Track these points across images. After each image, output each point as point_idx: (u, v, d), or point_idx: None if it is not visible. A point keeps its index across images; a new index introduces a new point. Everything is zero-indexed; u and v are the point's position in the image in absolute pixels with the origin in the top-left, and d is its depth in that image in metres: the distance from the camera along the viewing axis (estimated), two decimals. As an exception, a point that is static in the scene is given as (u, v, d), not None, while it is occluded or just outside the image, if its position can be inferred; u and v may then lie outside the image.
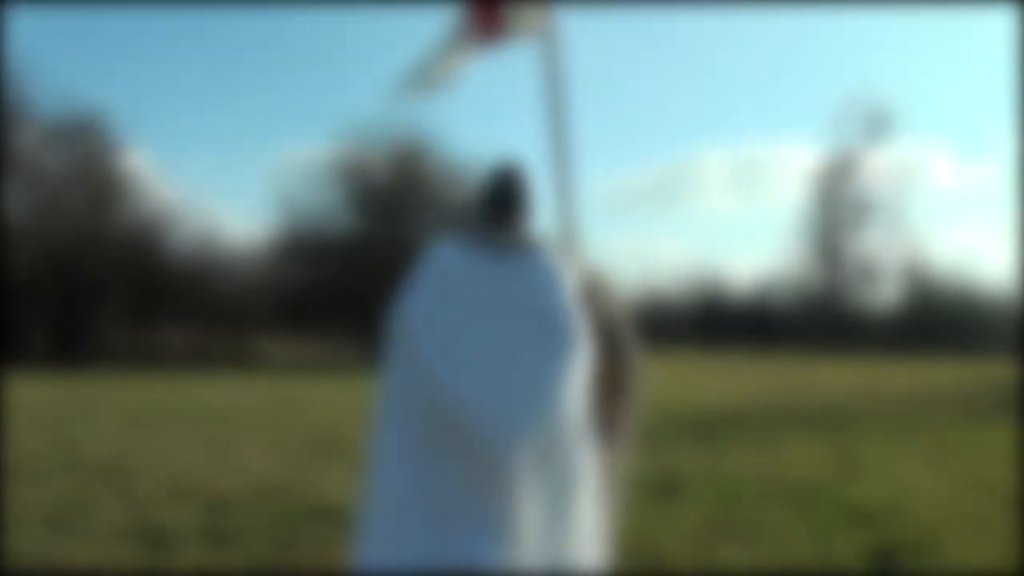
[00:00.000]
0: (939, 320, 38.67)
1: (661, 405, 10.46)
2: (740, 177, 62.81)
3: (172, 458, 7.21)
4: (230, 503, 5.38)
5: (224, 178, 51.46)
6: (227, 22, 58.22)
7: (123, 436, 8.65)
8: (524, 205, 2.41)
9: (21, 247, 23.73)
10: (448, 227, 2.45)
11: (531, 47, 2.99)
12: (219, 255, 31.07)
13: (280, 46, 52.57)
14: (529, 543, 2.07)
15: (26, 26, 31.24)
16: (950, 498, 5.79)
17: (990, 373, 20.42)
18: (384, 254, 25.44)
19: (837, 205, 43.50)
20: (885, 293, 43.49)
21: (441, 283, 2.26)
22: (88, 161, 27.36)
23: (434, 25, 3.16)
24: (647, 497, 5.38)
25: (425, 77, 3.14)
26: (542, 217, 2.53)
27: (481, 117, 53.27)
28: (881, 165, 42.50)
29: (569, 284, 2.27)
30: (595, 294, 2.42)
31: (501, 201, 2.39)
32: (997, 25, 46.35)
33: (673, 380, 16.58)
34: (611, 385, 2.44)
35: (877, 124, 42.19)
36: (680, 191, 62.61)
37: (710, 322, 44.13)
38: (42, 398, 12.96)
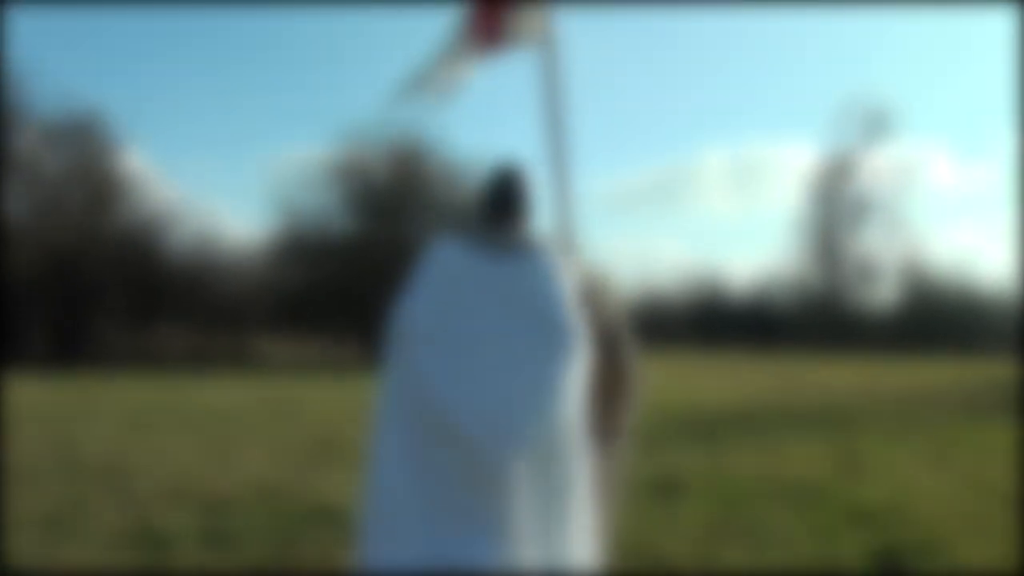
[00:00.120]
0: (938, 320, 38.66)
1: (661, 405, 10.46)
2: (739, 177, 62.79)
3: (171, 459, 7.20)
4: (229, 504, 5.38)
5: (223, 178, 51.54)
6: (227, 23, 58.18)
7: (122, 437, 8.63)
8: (524, 206, 2.41)
9: (20, 247, 23.69)
10: (448, 228, 2.44)
11: (530, 49, 2.99)
12: (218, 256, 31.04)
13: (280, 47, 52.61)
14: (526, 543, 2.07)
15: (26, 26, 31.14)
16: (951, 498, 5.79)
17: (990, 372, 20.42)
18: (383, 255, 25.41)
19: (836, 205, 43.50)
20: (884, 293, 43.51)
21: (441, 284, 2.26)
22: (87, 161, 27.33)
23: (434, 26, 3.16)
24: (647, 497, 5.38)
25: (426, 84, 3.13)
26: (541, 218, 2.53)
27: (480, 118, 53.27)
28: (880, 165, 42.53)
29: (568, 285, 2.27)
30: (594, 295, 2.42)
31: (501, 202, 2.39)
32: (997, 25, 46.40)
33: (672, 380, 16.57)
34: (610, 385, 2.44)
35: (876, 124, 42.22)
36: (679, 191, 62.65)
37: (709, 322, 44.08)
38: (41, 399, 12.94)
